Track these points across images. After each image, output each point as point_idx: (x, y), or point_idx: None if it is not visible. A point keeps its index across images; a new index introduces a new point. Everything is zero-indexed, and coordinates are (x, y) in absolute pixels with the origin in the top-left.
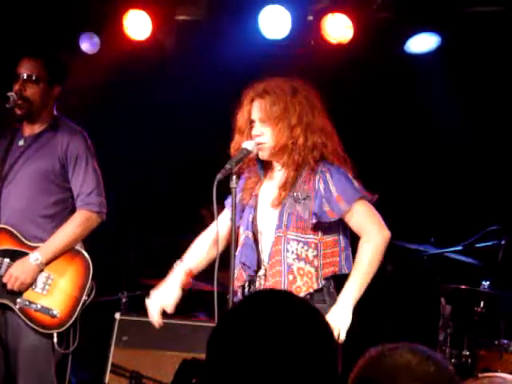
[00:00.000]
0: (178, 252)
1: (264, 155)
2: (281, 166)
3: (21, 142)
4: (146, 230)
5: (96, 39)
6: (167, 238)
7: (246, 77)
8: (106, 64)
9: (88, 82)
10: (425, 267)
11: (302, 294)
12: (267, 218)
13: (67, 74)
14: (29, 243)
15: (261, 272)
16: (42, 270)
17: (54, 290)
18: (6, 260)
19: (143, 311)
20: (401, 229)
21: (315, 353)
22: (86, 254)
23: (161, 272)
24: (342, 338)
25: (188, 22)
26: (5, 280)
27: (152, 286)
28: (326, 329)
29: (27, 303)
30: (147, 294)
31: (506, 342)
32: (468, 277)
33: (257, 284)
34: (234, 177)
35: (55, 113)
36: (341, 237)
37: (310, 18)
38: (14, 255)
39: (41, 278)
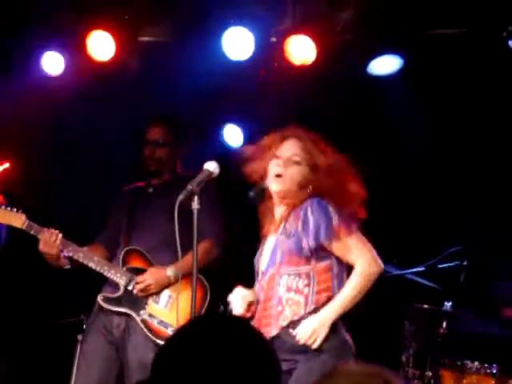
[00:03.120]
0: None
1: (277, 189)
2: (283, 204)
3: (150, 190)
4: None
5: (59, 60)
6: None
7: (210, 98)
8: (68, 84)
9: (50, 101)
10: (388, 287)
11: (286, 322)
12: (265, 257)
13: (189, 135)
14: (157, 265)
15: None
16: (167, 286)
17: (174, 308)
18: (136, 278)
19: None
20: None
21: (255, 376)
22: (204, 280)
23: None
24: (316, 345)
25: (152, 43)
26: (139, 280)
27: None
28: (267, 351)
29: (149, 316)
30: None
31: (468, 362)
32: (430, 297)
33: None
34: (196, 197)
35: (179, 170)
36: (334, 261)
37: (274, 39)
38: (143, 273)
39: (164, 296)
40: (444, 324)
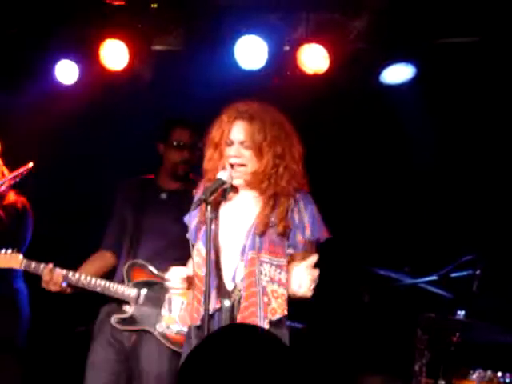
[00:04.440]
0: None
1: (240, 182)
2: (258, 193)
3: (163, 196)
4: None
5: (73, 69)
6: None
7: (223, 107)
8: (82, 94)
9: (64, 111)
10: (401, 296)
11: (277, 316)
12: (232, 236)
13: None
14: (161, 274)
15: (234, 291)
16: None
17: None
18: (144, 291)
19: None
20: (376, 257)
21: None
22: None
23: None
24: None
25: (165, 52)
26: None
27: None
28: (290, 360)
29: (166, 328)
30: None
31: (481, 371)
32: (443, 306)
33: (231, 302)
34: (209, 207)
35: (191, 176)
36: None
37: (287, 48)
38: (150, 286)
39: (176, 303)
40: (457, 333)
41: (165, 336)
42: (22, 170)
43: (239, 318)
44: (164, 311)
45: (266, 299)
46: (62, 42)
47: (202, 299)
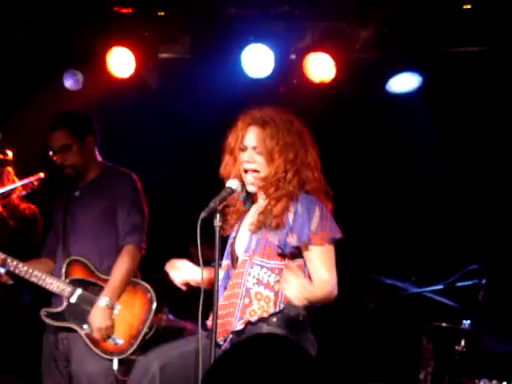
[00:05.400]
0: (159, 290)
1: (253, 187)
2: (265, 196)
3: (77, 193)
4: None
5: (80, 76)
6: (146, 276)
7: (229, 115)
8: (89, 101)
9: None
10: (406, 305)
11: (255, 318)
12: (242, 242)
13: (91, 122)
14: (100, 275)
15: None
16: (113, 308)
17: (119, 319)
18: (79, 290)
19: None
20: (383, 265)
21: None
22: (152, 292)
23: None
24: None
25: (171, 59)
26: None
27: None
28: (314, 367)
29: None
30: None
31: (486, 380)
32: (449, 315)
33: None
34: (218, 215)
35: (100, 159)
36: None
37: (293, 56)
38: (86, 285)
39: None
40: (462, 342)
41: (92, 339)
42: (32, 178)
43: (219, 315)
44: None
45: (247, 301)
46: (69, 50)
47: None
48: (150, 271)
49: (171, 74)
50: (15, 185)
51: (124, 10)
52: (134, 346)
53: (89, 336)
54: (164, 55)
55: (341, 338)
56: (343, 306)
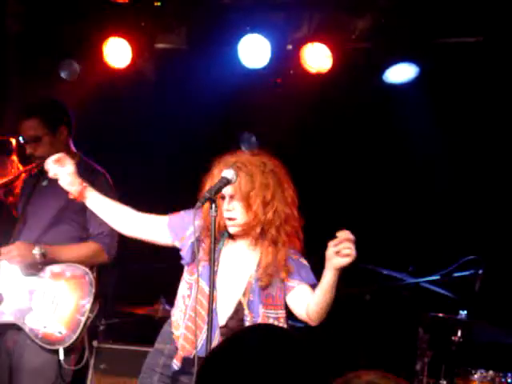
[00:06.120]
0: (156, 280)
1: (234, 230)
2: (254, 240)
3: (44, 183)
4: (123, 258)
5: (76, 66)
6: (143, 266)
7: (225, 105)
8: (85, 91)
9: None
10: (403, 296)
11: None
12: (230, 280)
13: (65, 112)
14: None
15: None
16: (37, 261)
17: (60, 309)
18: (17, 281)
19: (121, 339)
20: (380, 256)
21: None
22: (90, 275)
23: (137, 300)
24: None
25: (168, 50)
26: (3, 251)
27: (129, 314)
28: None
29: (35, 322)
30: (125, 322)
31: (483, 371)
32: (446, 306)
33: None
34: (214, 205)
35: (74, 149)
36: None
37: (290, 47)
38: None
39: (49, 298)
40: (459, 333)
41: (35, 332)
42: (35, 166)
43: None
44: (35, 304)
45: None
46: (65, 40)
47: (203, 330)
48: (146, 261)
49: (168, 64)
50: (19, 173)
51: (120, 1)
52: (77, 333)
53: (32, 330)
54: (160, 45)
55: (338, 328)
56: (340, 297)
